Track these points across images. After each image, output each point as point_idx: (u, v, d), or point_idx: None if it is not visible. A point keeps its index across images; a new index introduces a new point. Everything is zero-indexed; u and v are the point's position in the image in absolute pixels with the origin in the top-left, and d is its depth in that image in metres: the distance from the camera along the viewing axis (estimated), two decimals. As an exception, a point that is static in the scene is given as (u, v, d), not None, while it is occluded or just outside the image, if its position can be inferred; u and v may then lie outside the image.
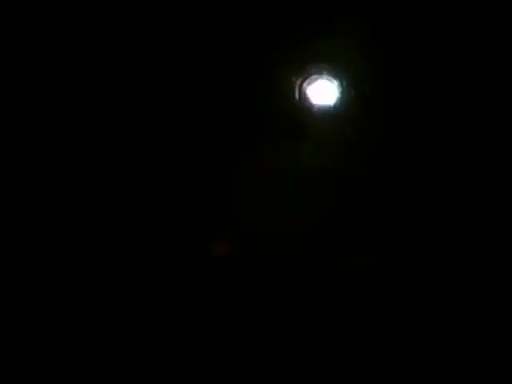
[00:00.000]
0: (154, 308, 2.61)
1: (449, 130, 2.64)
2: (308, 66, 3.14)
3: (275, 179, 2.84)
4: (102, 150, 2.70)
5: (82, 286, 2.60)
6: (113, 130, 2.70)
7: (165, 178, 2.78)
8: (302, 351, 2.48)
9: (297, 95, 3.12)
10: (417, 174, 2.70)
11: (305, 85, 3.13)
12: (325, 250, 2.69)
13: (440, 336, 2.50)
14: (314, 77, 3.19)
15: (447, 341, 2.49)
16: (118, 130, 2.71)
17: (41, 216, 2.62)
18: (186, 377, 2.43)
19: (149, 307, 2.60)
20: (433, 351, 2.48)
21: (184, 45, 2.67)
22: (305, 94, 3.22)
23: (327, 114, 3.12)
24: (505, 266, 2.53)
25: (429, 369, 2.43)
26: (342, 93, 3.16)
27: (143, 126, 2.73)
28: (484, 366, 2.38)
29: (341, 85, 3.22)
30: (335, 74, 3.20)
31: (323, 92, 3.28)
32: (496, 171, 2.61)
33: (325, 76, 3.23)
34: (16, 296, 2.53)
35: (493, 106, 2.66)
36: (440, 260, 2.62)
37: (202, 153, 2.76)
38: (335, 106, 3.12)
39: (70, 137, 2.66)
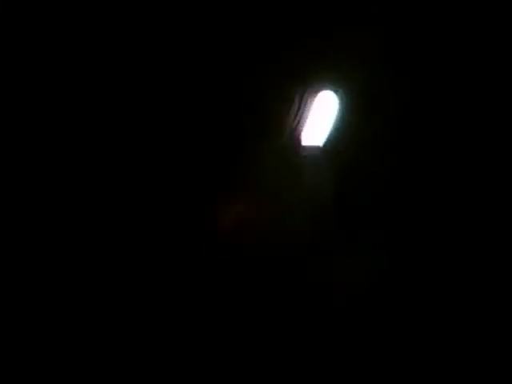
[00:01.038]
0: (153, 305, 2.63)
1: (452, 145, 2.68)
2: (311, 78, 3.13)
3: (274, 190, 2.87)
4: (102, 149, 2.72)
5: (82, 281, 2.62)
6: (112, 130, 2.72)
7: (161, 181, 2.81)
8: (304, 352, 2.48)
9: (296, 108, 3.08)
10: (419, 183, 2.74)
11: (305, 97, 3.11)
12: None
13: (442, 335, 2.52)
14: (315, 88, 3.17)
15: (449, 341, 2.49)
16: (117, 130, 2.73)
17: (40, 210, 2.64)
18: (186, 376, 2.43)
19: (148, 304, 2.62)
20: (435, 351, 2.48)
21: (183, 51, 2.69)
22: (305, 107, 3.20)
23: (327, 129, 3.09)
24: (506, 266, 2.55)
25: (429, 369, 2.43)
26: (346, 105, 3.12)
27: (141, 126, 2.76)
28: (484, 366, 2.37)
29: (345, 98, 3.19)
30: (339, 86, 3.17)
31: (325, 105, 3.26)
32: (494, 188, 2.64)
33: (327, 88, 3.20)
34: (16, 296, 2.53)
35: (493, 127, 2.69)
36: (437, 266, 2.65)
37: (202, 157, 2.79)
38: (337, 120, 3.08)
39: (70, 135, 2.68)
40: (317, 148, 2.90)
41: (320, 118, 2.91)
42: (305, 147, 2.89)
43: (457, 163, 2.64)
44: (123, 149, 2.67)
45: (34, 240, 2.56)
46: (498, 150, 2.58)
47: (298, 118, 2.81)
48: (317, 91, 2.88)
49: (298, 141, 2.87)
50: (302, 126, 2.87)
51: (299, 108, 2.78)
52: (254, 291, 2.62)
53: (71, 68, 2.57)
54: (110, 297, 2.58)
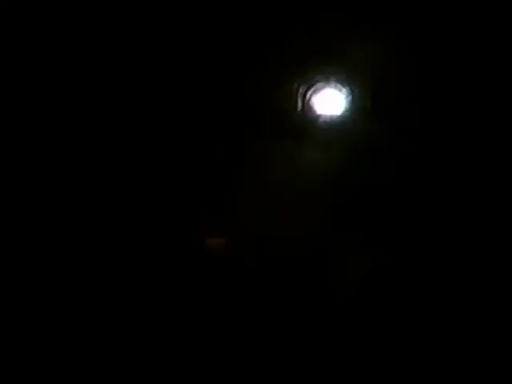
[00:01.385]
0: (153, 306, 2.60)
1: (454, 140, 2.63)
2: (313, 74, 2.98)
3: (275, 190, 2.81)
4: (102, 149, 2.70)
5: (81, 281, 2.60)
6: (112, 131, 2.70)
7: (163, 181, 2.78)
8: (304, 351, 2.45)
9: (300, 105, 2.96)
10: (420, 183, 2.69)
11: (309, 94, 2.96)
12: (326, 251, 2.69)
13: (441, 336, 2.47)
14: (319, 85, 3.01)
15: (449, 341, 2.45)
16: (116, 131, 2.71)
17: (41, 211, 2.62)
18: (186, 376, 2.41)
19: (147, 304, 2.60)
20: (435, 351, 2.43)
21: (184, 49, 2.66)
22: (309, 104, 3.06)
23: (332, 125, 2.96)
24: (506, 266, 2.49)
25: (429, 369, 2.38)
26: (351, 103, 2.97)
27: (140, 126, 2.73)
28: (484, 366, 2.33)
29: (350, 94, 3.04)
30: (344, 82, 3.02)
31: (329, 102, 3.10)
32: (495, 183, 2.59)
33: (332, 84, 3.04)
34: (16, 296, 2.52)
35: (495, 125, 2.63)
36: (438, 262, 2.59)
37: (202, 157, 2.76)
38: (342, 117, 2.94)
39: (70, 135, 2.66)
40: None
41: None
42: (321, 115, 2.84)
43: (461, 167, 2.61)
44: (122, 149, 2.66)
45: (32, 241, 2.56)
46: (500, 150, 2.55)
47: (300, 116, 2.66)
48: (322, 88, 2.73)
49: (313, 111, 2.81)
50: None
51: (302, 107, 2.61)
52: (254, 289, 2.60)
53: (71, 68, 2.57)
54: (109, 297, 2.58)
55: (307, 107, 2.85)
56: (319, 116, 2.91)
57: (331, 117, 2.88)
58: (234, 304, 2.59)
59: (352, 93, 2.82)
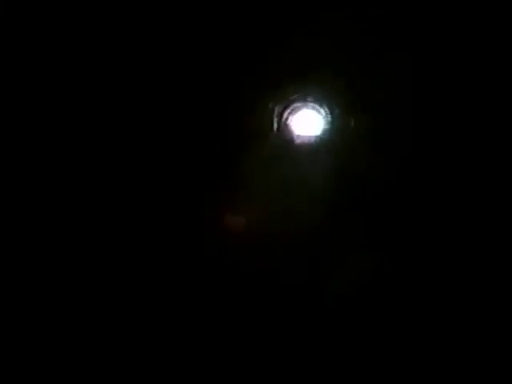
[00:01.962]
0: (153, 306, 2.56)
1: (440, 162, 2.58)
2: (290, 93, 2.83)
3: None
4: (100, 150, 2.65)
5: (82, 281, 2.55)
6: (110, 131, 2.65)
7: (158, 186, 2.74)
8: (304, 352, 2.43)
9: (275, 126, 2.79)
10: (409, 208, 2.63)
11: (286, 114, 2.80)
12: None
13: (442, 333, 2.43)
14: (296, 105, 2.86)
15: (450, 339, 2.41)
16: (113, 132, 2.66)
17: (41, 212, 2.57)
18: (186, 376, 2.39)
19: (147, 305, 2.56)
20: (434, 350, 2.39)
21: (160, 64, 2.60)
22: (286, 124, 2.89)
23: (310, 147, 2.82)
24: (505, 267, 2.46)
25: (429, 369, 2.35)
26: (331, 123, 2.83)
27: (137, 127, 2.69)
28: (483, 366, 2.30)
29: (329, 115, 2.89)
30: (322, 102, 2.87)
31: (307, 123, 2.95)
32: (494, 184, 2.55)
33: (310, 105, 2.89)
34: (16, 296, 2.47)
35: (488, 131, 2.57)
36: (437, 264, 2.56)
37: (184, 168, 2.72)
38: (320, 138, 2.79)
39: (70, 136, 2.61)
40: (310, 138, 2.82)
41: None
42: (298, 136, 2.83)
43: (454, 160, 2.56)
44: (122, 149, 2.63)
45: (32, 240, 2.53)
46: (498, 150, 2.50)
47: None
48: (299, 108, 2.58)
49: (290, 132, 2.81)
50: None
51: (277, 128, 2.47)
52: (255, 289, 2.59)
53: (70, 69, 2.53)
54: (109, 295, 2.55)
55: (284, 127, 2.67)
56: (297, 136, 2.74)
57: (309, 138, 2.71)
58: (233, 305, 2.56)
59: (331, 113, 2.66)
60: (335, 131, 2.77)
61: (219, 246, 2.59)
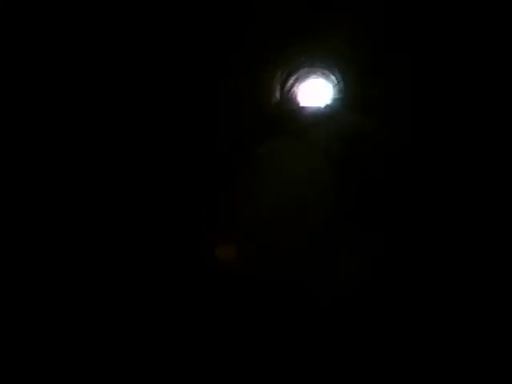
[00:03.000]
0: (153, 311, 2.54)
1: (447, 134, 2.48)
2: (297, 59, 2.54)
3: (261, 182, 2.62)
4: (100, 150, 2.60)
5: (82, 286, 2.54)
6: (109, 132, 2.60)
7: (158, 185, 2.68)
8: (304, 355, 2.42)
9: (278, 95, 2.53)
10: (415, 176, 2.56)
11: (291, 81, 2.51)
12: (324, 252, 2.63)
13: (443, 332, 2.41)
14: (303, 72, 2.56)
15: (448, 339, 2.40)
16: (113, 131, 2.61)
17: (40, 215, 2.54)
18: (186, 377, 2.39)
19: (147, 310, 2.54)
20: (434, 350, 2.38)
21: (162, 39, 2.54)
22: (290, 93, 2.61)
23: (317, 117, 2.56)
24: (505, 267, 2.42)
25: (428, 369, 2.34)
26: (339, 93, 2.56)
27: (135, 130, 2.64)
28: (483, 366, 2.28)
29: (338, 83, 2.62)
30: (331, 69, 2.58)
31: (315, 92, 2.67)
32: (494, 176, 2.46)
33: (318, 72, 2.60)
34: (16, 296, 2.46)
35: (490, 112, 2.46)
36: (436, 265, 2.50)
37: (184, 154, 2.67)
38: (329, 108, 2.52)
39: (69, 137, 2.56)
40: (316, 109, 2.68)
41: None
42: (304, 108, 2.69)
43: (457, 162, 2.48)
44: (121, 153, 2.60)
45: (32, 240, 2.51)
46: (499, 147, 2.41)
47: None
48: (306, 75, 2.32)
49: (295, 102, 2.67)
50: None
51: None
52: (257, 290, 2.56)
53: (70, 69, 2.51)
54: (108, 298, 2.54)
55: (287, 98, 2.40)
56: (301, 108, 2.48)
57: (316, 109, 2.44)
58: (233, 304, 2.54)
59: (341, 81, 2.39)
60: (347, 101, 2.50)
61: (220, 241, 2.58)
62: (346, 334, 2.45)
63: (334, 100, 2.53)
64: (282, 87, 2.35)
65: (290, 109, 2.41)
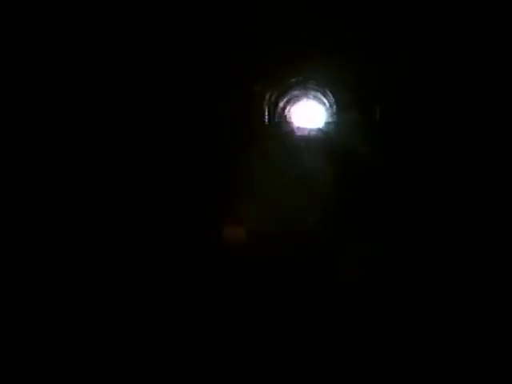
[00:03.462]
0: (153, 307, 2.26)
1: (441, 158, 2.28)
2: (290, 82, 2.41)
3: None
4: (100, 151, 2.39)
5: (82, 283, 2.29)
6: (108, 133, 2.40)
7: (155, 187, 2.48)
8: (304, 350, 2.09)
9: (267, 117, 2.39)
10: (409, 201, 2.35)
11: (282, 104, 2.37)
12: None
13: (441, 333, 2.11)
14: (295, 93, 2.43)
15: (448, 338, 2.09)
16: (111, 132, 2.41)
17: (38, 212, 2.30)
18: (186, 377, 2.05)
19: (148, 306, 2.26)
20: (434, 349, 2.06)
21: (155, 53, 2.34)
22: (281, 115, 2.47)
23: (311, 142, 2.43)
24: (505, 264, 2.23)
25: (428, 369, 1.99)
26: (333, 116, 2.43)
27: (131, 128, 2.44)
28: (484, 366, 1.97)
29: (331, 106, 2.49)
30: (324, 92, 2.46)
31: (306, 115, 2.53)
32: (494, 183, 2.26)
33: (311, 94, 2.47)
34: (16, 296, 2.20)
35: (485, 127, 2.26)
36: (437, 265, 2.30)
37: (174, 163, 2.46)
38: (322, 131, 2.38)
39: (69, 137, 2.35)
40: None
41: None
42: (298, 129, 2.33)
43: (455, 158, 2.28)
44: (120, 152, 2.38)
45: (32, 240, 2.25)
46: (498, 149, 2.23)
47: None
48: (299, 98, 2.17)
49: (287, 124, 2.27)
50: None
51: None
52: (257, 288, 2.32)
53: (71, 70, 2.29)
54: (108, 297, 2.27)
55: (277, 120, 2.25)
56: (295, 129, 2.34)
57: (308, 131, 2.29)
58: (232, 304, 2.25)
59: (337, 103, 2.26)
60: (340, 125, 2.37)
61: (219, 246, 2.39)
62: (346, 334, 2.17)
63: (327, 124, 2.39)
64: (272, 109, 2.21)
65: (280, 132, 2.26)
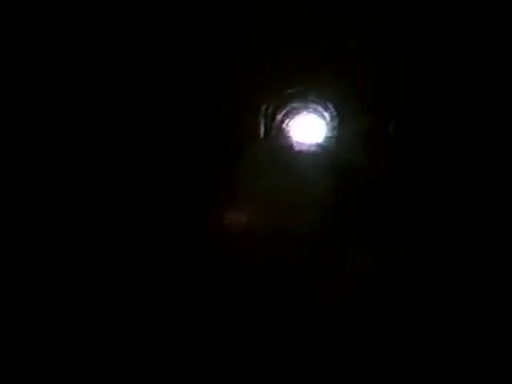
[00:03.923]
0: (153, 305, 2.35)
1: (442, 174, 2.26)
2: (285, 93, 2.34)
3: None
4: (98, 151, 2.46)
5: (82, 279, 2.37)
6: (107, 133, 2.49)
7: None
8: (304, 350, 2.20)
9: (263, 130, 2.34)
10: (409, 216, 2.33)
11: (279, 117, 2.30)
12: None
13: (441, 333, 2.21)
14: (292, 107, 2.37)
15: (449, 339, 2.19)
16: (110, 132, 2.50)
17: (39, 212, 2.35)
18: (186, 377, 2.15)
19: (148, 304, 2.35)
20: (435, 350, 2.16)
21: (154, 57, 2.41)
22: (278, 129, 2.40)
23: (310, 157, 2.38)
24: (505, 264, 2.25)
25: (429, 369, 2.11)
26: (333, 131, 2.38)
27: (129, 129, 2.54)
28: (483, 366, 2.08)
29: (331, 120, 2.43)
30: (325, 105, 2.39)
31: (306, 129, 2.47)
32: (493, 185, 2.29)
33: (310, 107, 2.40)
34: (16, 296, 2.26)
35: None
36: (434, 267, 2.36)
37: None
38: (321, 147, 2.33)
39: (70, 135, 2.40)
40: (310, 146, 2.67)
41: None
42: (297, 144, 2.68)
43: (453, 162, 2.29)
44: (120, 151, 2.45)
45: (32, 240, 2.30)
46: (497, 152, 2.27)
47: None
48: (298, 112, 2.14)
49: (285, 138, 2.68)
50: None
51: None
52: (255, 291, 2.37)
53: (72, 70, 2.31)
54: (109, 295, 2.33)
55: (274, 134, 2.20)
56: (293, 144, 2.30)
57: (307, 147, 2.23)
58: (232, 304, 2.33)
59: (336, 117, 2.20)
60: (340, 139, 2.31)
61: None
62: (346, 334, 2.24)
63: (327, 138, 2.33)
64: (268, 123, 2.13)
65: (276, 147, 2.19)
